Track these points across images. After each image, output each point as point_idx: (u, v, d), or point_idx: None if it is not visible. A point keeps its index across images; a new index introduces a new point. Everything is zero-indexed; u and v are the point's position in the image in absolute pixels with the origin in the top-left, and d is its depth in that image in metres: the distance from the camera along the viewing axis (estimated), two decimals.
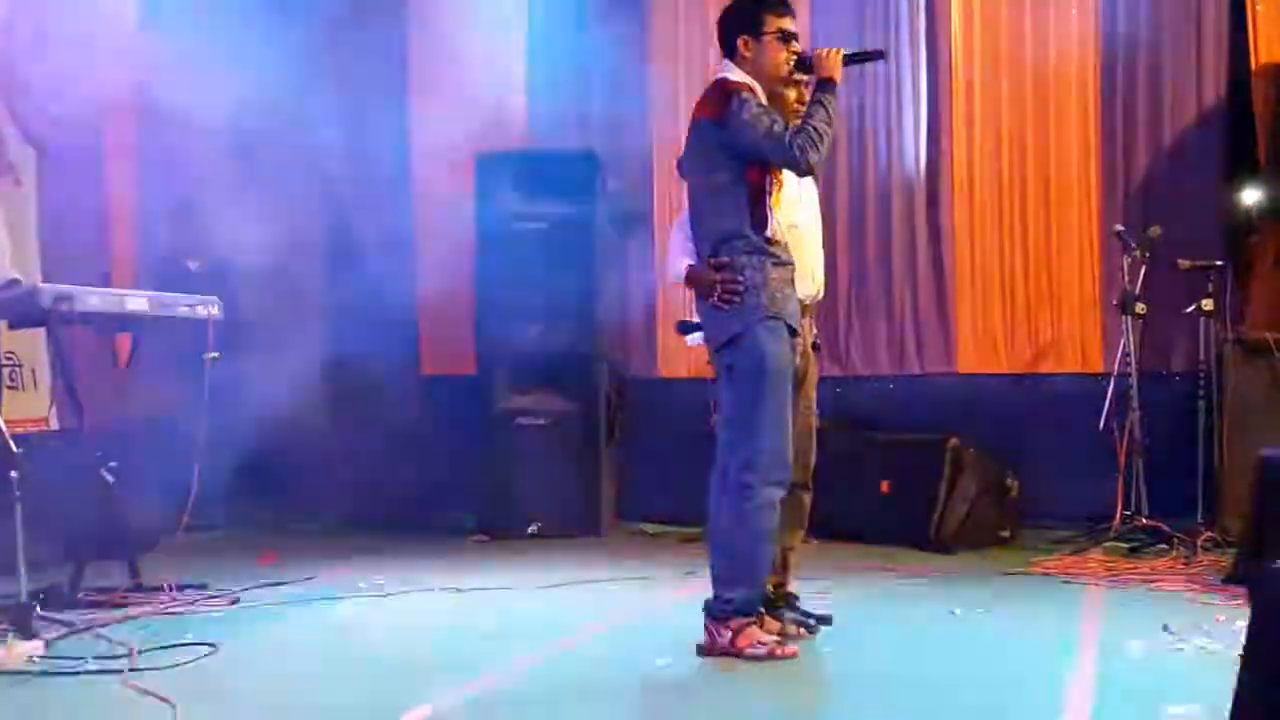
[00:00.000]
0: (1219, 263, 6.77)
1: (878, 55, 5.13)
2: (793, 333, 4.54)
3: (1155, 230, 6.71)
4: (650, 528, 7.62)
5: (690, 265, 4.63)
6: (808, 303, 4.95)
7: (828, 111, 4.46)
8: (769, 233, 4.51)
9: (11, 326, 5.57)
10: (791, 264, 4.60)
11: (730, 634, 4.45)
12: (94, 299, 5.36)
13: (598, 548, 7.16)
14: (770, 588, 4.84)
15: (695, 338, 4.79)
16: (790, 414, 4.51)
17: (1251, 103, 7.17)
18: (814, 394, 4.97)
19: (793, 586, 4.97)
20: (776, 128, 4.40)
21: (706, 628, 4.51)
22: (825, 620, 4.90)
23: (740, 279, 4.45)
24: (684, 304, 5.27)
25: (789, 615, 4.83)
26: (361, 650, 4.73)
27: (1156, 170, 7.48)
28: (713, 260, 4.51)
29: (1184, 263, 6.73)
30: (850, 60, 4.63)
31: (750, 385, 4.46)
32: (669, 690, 4.18)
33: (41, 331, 5.86)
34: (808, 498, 4.94)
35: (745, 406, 4.47)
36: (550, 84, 8.11)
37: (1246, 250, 7.18)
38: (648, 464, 7.76)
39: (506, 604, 5.58)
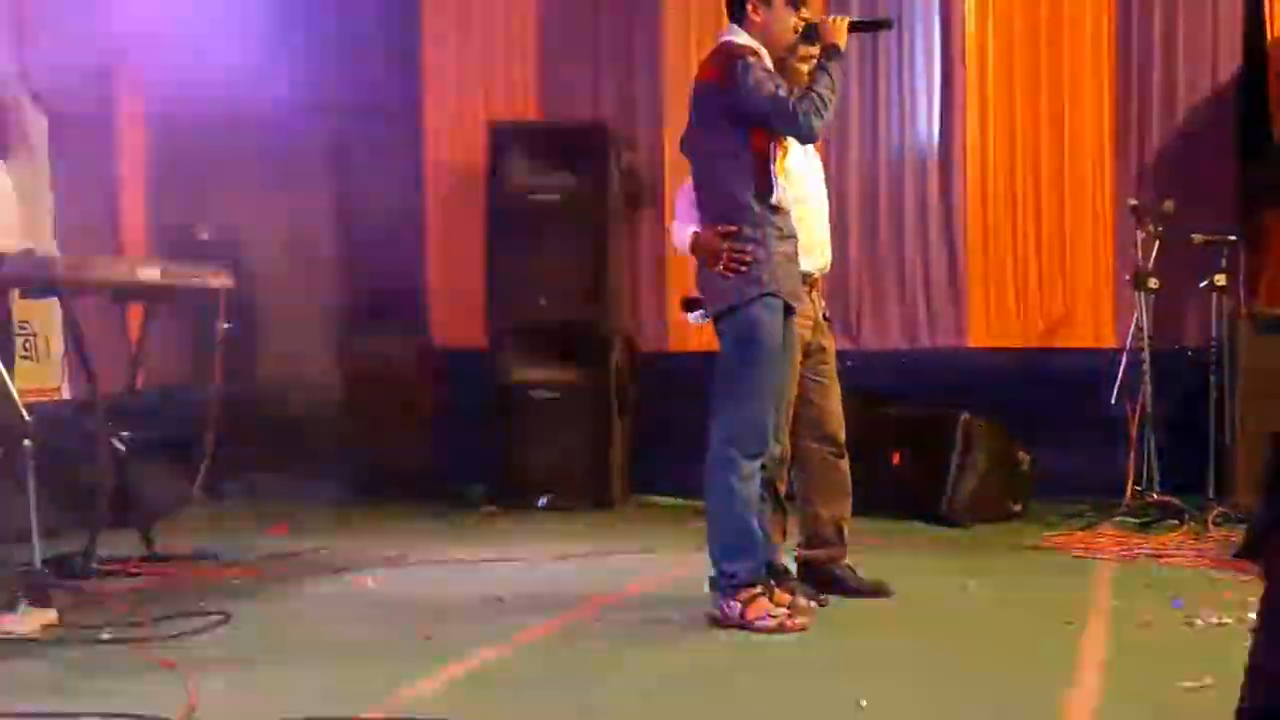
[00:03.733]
0: (1232, 237, 6.74)
1: (885, 24, 5.12)
2: (789, 309, 4.52)
3: (1169, 204, 6.68)
4: (661, 500, 7.62)
5: (695, 231, 4.62)
6: (816, 275, 4.96)
7: (832, 78, 4.44)
8: (774, 200, 4.49)
9: (24, 296, 5.58)
10: (795, 236, 4.59)
11: (739, 606, 4.45)
12: (106, 268, 5.36)
13: (609, 520, 7.17)
14: (807, 560, 4.97)
15: (698, 315, 4.79)
16: (776, 389, 4.51)
17: (1266, 76, 7.13)
18: (834, 365, 4.99)
19: (850, 558, 5.04)
20: (781, 92, 4.39)
21: (716, 602, 4.52)
22: (884, 592, 4.94)
23: (745, 249, 4.44)
24: (693, 277, 5.26)
25: (846, 583, 4.96)
26: (373, 620, 4.75)
27: (1170, 144, 7.45)
28: (719, 227, 4.49)
29: (1197, 237, 6.69)
30: (856, 28, 4.61)
31: (739, 358, 4.47)
32: (679, 663, 4.18)
33: (54, 301, 5.86)
34: (845, 464, 4.98)
35: (731, 378, 4.48)
36: (563, 55, 8.09)
37: (1260, 225, 7.15)
38: (659, 437, 7.74)
39: (518, 576, 5.59)
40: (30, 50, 6.71)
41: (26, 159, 6.45)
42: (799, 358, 4.81)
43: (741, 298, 4.45)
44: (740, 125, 4.46)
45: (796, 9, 4.56)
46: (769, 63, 4.51)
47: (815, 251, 4.88)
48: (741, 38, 4.53)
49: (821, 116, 4.40)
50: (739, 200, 4.47)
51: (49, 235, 6.40)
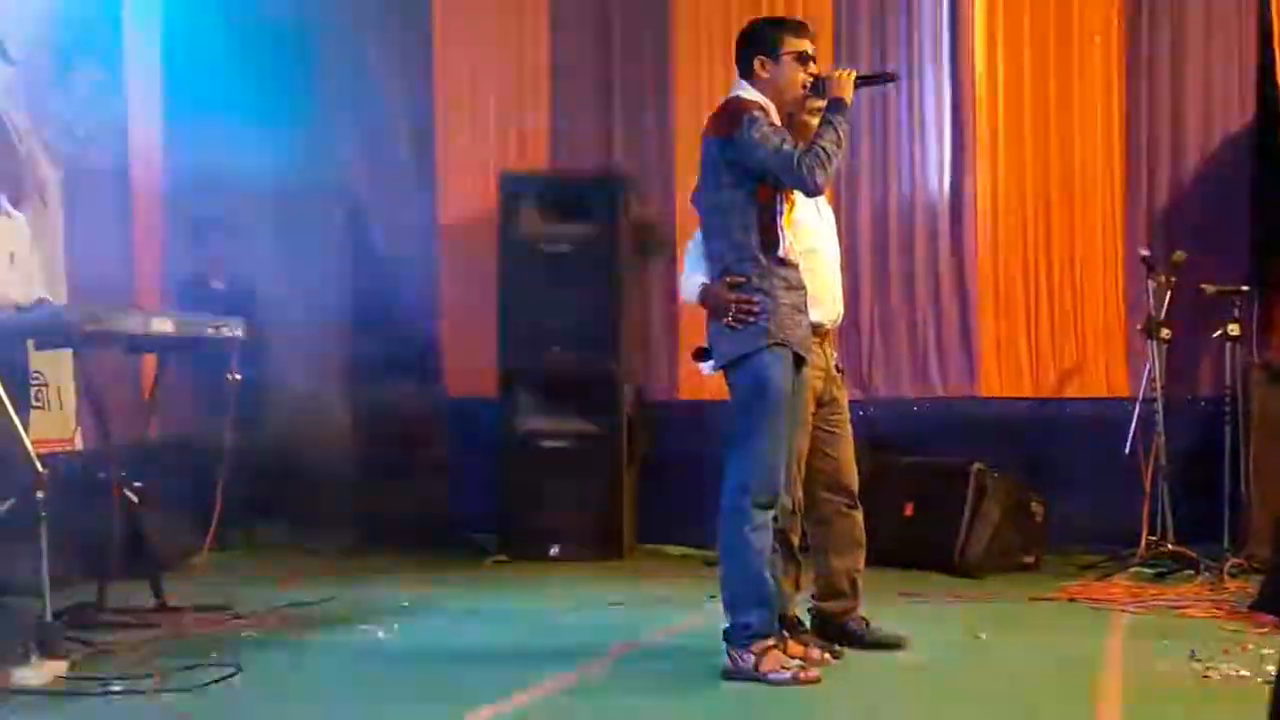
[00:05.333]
0: (1245, 287, 6.75)
1: (890, 78, 5.17)
2: (799, 360, 4.52)
3: (1180, 255, 6.69)
4: (672, 549, 7.59)
5: (704, 283, 4.63)
6: (828, 326, 4.96)
7: (837, 132, 4.44)
8: (780, 253, 4.50)
9: (38, 347, 5.59)
10: (803, 288, 4.58)
11: (753, 658, 4.42)
12: (120, 319, 5.37)
13: (619, 570, 7.14)
14: (820, 612, 4.95)
15: (709, 365, 4.79)
16: (786, 439, 4.49)
17: (1278, 125, 7.15)
18: (847, 416, 4.98)
19: (863, 610, 5.01)
20: (785, 147, 4.40)
21: (729, 653, 4.49)
22: (899, 644, 4.91)
23: (753, 300, 4.44)
24: (704, 327, 5.28)
25: (860, 636, 4.92)
26: (384, 672, 4.73)
27: (1181, 193, 7.47)
28: (728, 278, 4.50)
29: (1209, 287, 6.70)
30: (862, 82, 4.63)
31: (748, 408, 4.46)
32: (692, 716, 4.15)
33: (67, 351, 5.88)
34: (859, 515, 4.97)
35: (742, 429, 4.47)
36: (575, 105, 8.13)
37: (1272, 274, 7.15)
38: (670, 486, 7.73)
39: (528, 627, 5.57)
40: (44, 102, 6.76)
41: (40, 210, 6.49)
42: (810, 408, 4.80)
43: (749, 348, 4.45)
44: (746, 179, 4.47)
45: (804, 64, 4.58)
46: (776, 118, 4.53)
47: (826, 302, 4.88)
48: (749, 93, 4.55)
49: (825, 171, 4.41)
50: (746, 253, 4.48)
51: (61, 286, 6.43)
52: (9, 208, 5.64)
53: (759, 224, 4.48)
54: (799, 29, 4.66)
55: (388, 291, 7.83)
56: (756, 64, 4.56)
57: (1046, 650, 4.99)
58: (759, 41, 4.60)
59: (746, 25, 4.74)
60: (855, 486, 4.99)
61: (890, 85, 6.27)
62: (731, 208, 4.50)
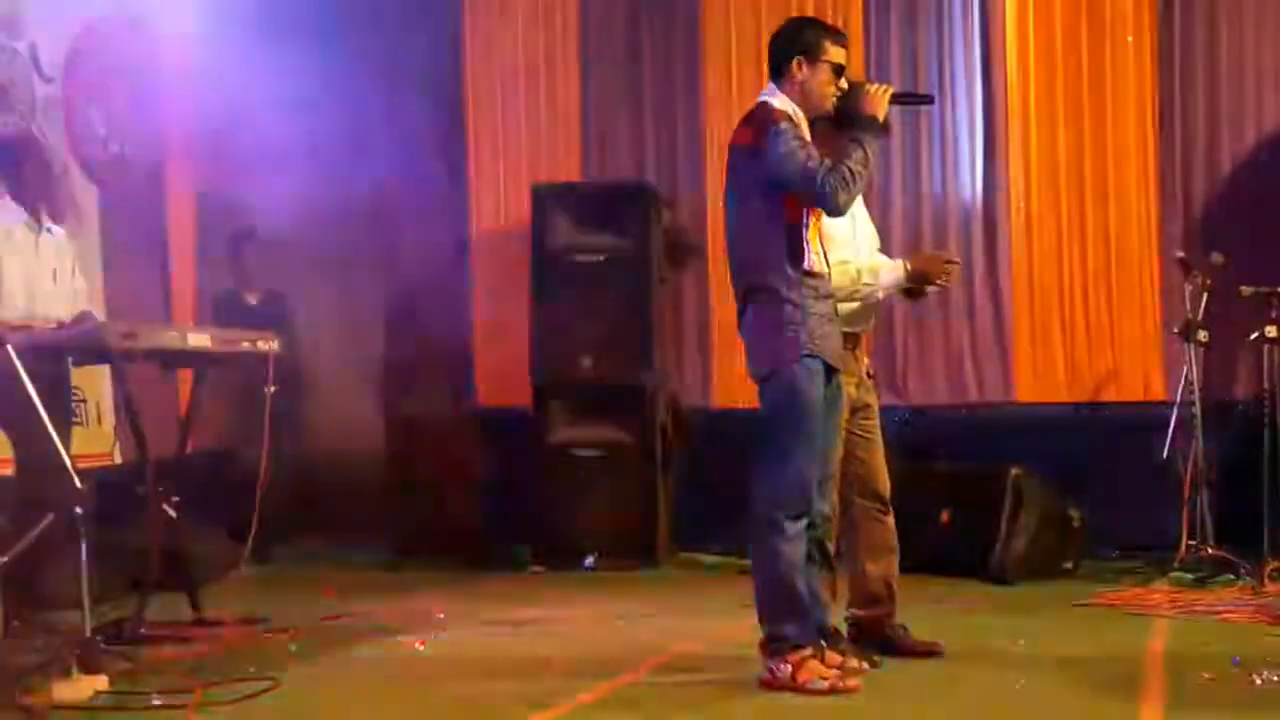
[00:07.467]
0: None
1: (927, 100, 5.06)
2: (831, 370, 4.49)
3: (1218, 257, 6.64)
4: (707, 558, 7.59)
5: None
6: (860, 334, 4.93)
7: (866, 153, 4.37)
8: (806, 265, 4.45)
9: (76, 363, 5.64)
10: (832, 297, 4.55)
11: (790, 668, 4.41)
12: (157, 335, 5.42)
13: (655, 580, 7.13)
14: (858, 620, 4.94)
15: None
16: (819, 449, 4.47)
17: None
18: (878, 421, 4.96)
19: (900, 618, 5.00)
20: (811, 163, 4.33)
21: (765, 664, 4.48)
22: (937, 652, 4.89)
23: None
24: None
25: (898, 643, 4.90)
26: (423, 684, 4.73)
27: (1218, 195, 7.41)
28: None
29: (1247, 289, 6.63)
30: (896, 101, 4.55)
31: (780, 419, 4.44)
32: None
33: (105, 367, 5.92)
34: (891, 521, 4.95)
35: (773, 440, 4.45)
36: (606, 116, 8.15)
37: None
38: (704, 495, 7.72)
39: (565, 637, 5.57)
40: (80, 119, 6.82)
41: (76, 226, 6.54)
42: (844, 416, 4.78)
43: (781, 361, 4.42)
44: (772, 190, 4.41)
45: (838, 77, 4.51)
46: (805, 127, 4.47)
47: (860, 315, 4.86)
48: (778, 100, 4.49)
49: (849, 191, 4.33)
50: (772, 264, 4.43)
51: (98, 302, 6.48)
52: (50, 224, 5.69)
53: (785, 235, 4.42)
54: (840, 39, 4.59)
55: (420, 304, 7.85)
56: (794, 64, 4.48)
57: (1087, 657, 4.96)
58: (800, 42, 4.50)
59: (785, 23, 4.67)
60: (887, 491, 4.97)
61: (926, 107, 6.19)
62: (758, 219, 4.45)
